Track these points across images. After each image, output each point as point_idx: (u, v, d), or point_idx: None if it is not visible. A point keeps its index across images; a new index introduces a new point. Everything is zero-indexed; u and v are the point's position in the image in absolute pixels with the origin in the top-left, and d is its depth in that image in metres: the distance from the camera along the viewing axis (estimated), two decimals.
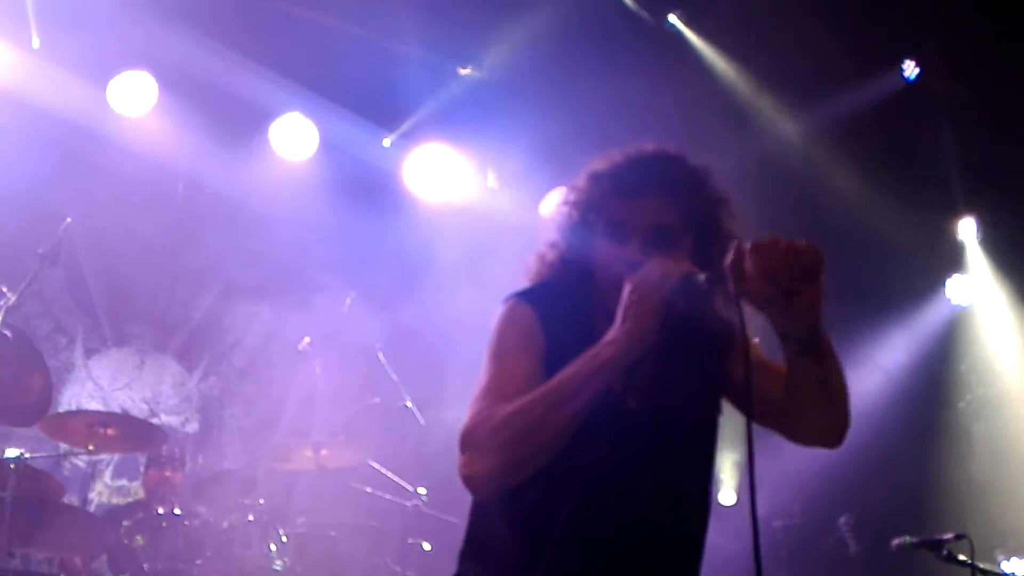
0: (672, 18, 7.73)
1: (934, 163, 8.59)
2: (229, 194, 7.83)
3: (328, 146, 8.07)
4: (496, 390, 1.99)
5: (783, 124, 8.19)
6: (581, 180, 2.23)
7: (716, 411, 2.21)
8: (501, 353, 2.08)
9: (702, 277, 1.94)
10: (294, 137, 8.01)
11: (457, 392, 6.85)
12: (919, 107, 8.44)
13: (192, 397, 8.08)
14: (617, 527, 2.01)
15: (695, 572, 2.13)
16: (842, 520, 7.35)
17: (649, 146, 2.21)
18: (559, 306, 2.13)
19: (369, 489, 6.73)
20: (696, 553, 2.13)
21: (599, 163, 2.23)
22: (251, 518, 5.78)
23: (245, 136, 7.94)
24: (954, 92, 8.37)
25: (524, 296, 2.17)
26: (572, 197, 2.22)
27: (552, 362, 2.00)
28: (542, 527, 1.98)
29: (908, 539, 4.00)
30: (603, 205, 2.14)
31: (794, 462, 6.81)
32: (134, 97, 7.44)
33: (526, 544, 2.00)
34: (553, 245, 2.23)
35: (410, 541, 6.38)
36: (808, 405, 2.05)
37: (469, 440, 1.94)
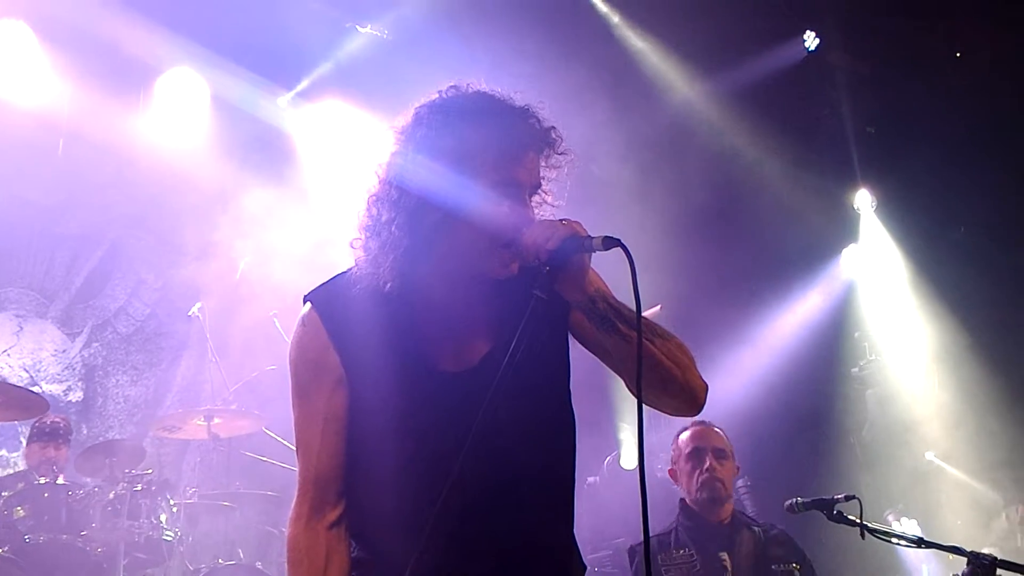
0: None
1: (832, 133, 8.78)
2: (114, 152, 7.50)
3: (220, 103, 7.81)
4: (303, 452, 2.11)
5: (687, 89, 8.23)
6: (435, 121, 2.03)
7: (566, 369, 2.19)
8: (298, 389, 2.13)
9: (599, 240, 1.89)
10: (183, 92, 7.73)
11: None
12: (818, 78, 8.61)
13: (75, 365, 7.75)
14: (486, 503, 2.02)
15: (567, 531, 2.18)
16: (739, 483, 7.50)
17: (504, 94, 2.06)
18: (359, 300, 2.06)
19: (264, 458, 6.61)
20: (564, 516, 2.17)
21: (457, 104, 2.04)
22: (139, 488, 5.65)
23: (131, 91, 7.61)
24: (852, 64, 8.56)
25: (317, 301, 2.12)
26: (436, 144, 2.01)
27: (353, 369, 2.07)
28: (413, 515, 1.96)
29: (799, 500, 4.06)
30: (488, 160, 1.97)
31: None
32: (10, 47, 7.09)
33: (406, 533, 1.97)
34: (396, 201, 2.05)
35: None
36: (624, 373, 2.09)
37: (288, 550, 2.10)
